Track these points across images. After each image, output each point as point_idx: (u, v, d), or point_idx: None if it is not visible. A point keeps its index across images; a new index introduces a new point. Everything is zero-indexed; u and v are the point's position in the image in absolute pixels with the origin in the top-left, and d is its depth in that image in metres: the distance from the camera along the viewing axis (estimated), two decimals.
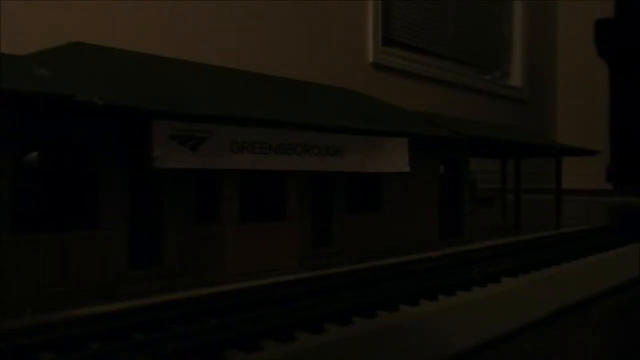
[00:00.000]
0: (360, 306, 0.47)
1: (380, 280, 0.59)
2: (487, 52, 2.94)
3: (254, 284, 0.56)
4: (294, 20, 1.91)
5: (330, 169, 0.76)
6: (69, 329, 0.40)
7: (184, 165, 0.61)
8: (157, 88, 0.68)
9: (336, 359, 0.40)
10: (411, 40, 2.45)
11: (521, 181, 1.36)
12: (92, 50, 0.70)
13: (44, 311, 0.44)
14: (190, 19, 1.60)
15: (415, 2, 2.46)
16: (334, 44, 2.05)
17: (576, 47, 3.39)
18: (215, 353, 0.37)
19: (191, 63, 0.82)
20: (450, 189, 1.06)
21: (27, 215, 0.58)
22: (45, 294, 0.54)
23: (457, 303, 0.51)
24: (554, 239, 0.95)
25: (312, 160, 0.73)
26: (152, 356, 0.35)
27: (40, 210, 0.61)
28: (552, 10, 3.48)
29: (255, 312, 0.45)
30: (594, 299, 0.67)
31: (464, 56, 2.76)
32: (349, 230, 0.85)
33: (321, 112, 0.84)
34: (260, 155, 0.67)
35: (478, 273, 0.61)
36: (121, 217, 0.62)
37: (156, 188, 0.66)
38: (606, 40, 3.24)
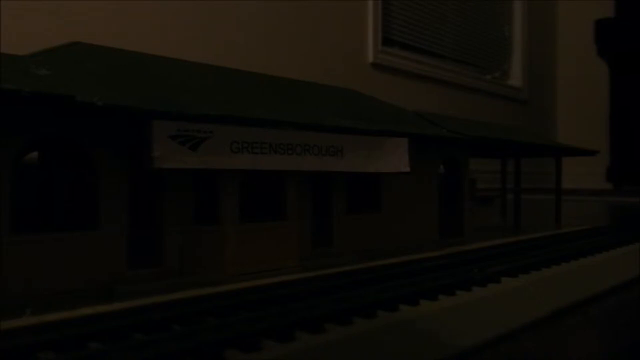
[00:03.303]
0: (360, 306, 0.47)
1: (380, 280, 0.59)
2: (487, 52, 2.94)
3: (254, 284, 0.56)
4: (294, 20, 1.91)
5: (330, 169, 0.76)
6: (69, 329, 0.40)
7: (184, 165, 0.61)
8: (157, 88, 0.68)
9: (336, 359, 0.40)
10: (411, 40, 2.45)
11: (521, 181, 1.36)
12: (92, 50, 0.70)
13: (44, 311, 0.44)
14: (190, 19, 1.60)
15: (416, 2, 2.46)
16: (334, 44, 2.05)
17: (576, 47, 3.39)
18: (215, 353, 0.37)
19: (191, 63, 0.82)
20: (450, 189, 1.06)
21: (27, 215, 0.58)
22: (45, 294, 0.54)
23: (457, 303, 0.51)
24: (554, 239, 0.95)
25: (312, 160, 0.73)
26: (152, 356, 0.35)
27: (40, 210, 0.61)
28: (552, 10, 3.48)
29: (255, 312, 0.45)
30: (594, 299, 0.67)
31: (464, 56, 2.76)
32: (349, 230, 0.85)
33: (321, 112, 0.84)
34: (260, 155, 0.67)
35: (478, 273, 0.61)
36: (121, 217, 0.62)
37: (156, 188, 0.66)
38: (606, 39, 3.24)
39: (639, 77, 3.15)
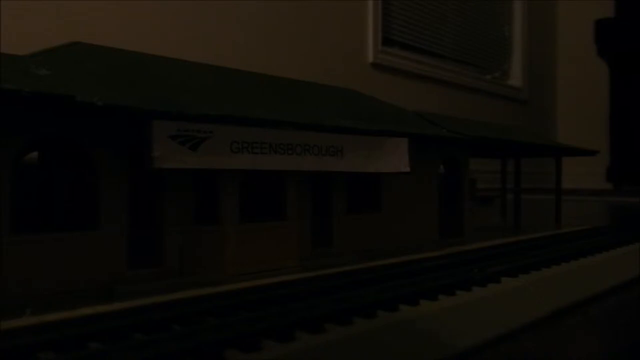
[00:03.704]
0: (360, 306, 0.47)
1: (380, 280, 0.59)
2: (487, 52, 2.94)
3: (254, 284, 0.56)
4: (294, 20, 1.91)
5: (330, 169, 0.76)
6: (69, 329, 0.40)
7: (184, 165, 0.61)
8: (157, 88, 0.68)
9: (336, 359, 0.40)
10: (411, 40, 2.45)
11: (521, 181, 1.36)
12: (92, 50, 0.70)
13: (44, 311, 0.44)
14: (190, 19, 1.60)
15: (416, 2, 2.46)
16: (334, 44, 2.05)
17: (576, 47, 3.39)
18: (215, 353, 0.37)
19: (191, 63, 0.82)
20: (450, 189, 1.05)
21: (27, 215, 0.58)
22: (45, 293, 0.54)
23: (457, 303, 0.51)
24: (554, 239, 0.95)
25: (312, 160, 0.73)
26: (152, 356, 0.35)
27: (40, 210, 0.61)
28: (552, 10, 3.48)
29: (255, 312, 0.45)
30: (594, 299, 0.67)
31: (464, 56, 2.76)
32: (349, 230, 0.84)
33: (321, 112, 0.84)
34: (260, 155, 0.67)
35: (478, 273, 0.61)
36: (121, 217, 0.62)
37: (156, 188, 0.66)
38: (606, 39, 3.24)
39: (639, 77, 3.15)
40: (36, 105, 0.53)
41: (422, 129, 0.97)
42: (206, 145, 0.62)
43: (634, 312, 0.68)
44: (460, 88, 2.64)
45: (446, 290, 0.54)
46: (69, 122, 0.59)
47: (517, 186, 1.35)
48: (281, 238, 0.72)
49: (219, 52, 1.51)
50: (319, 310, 0.45)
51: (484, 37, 2.91)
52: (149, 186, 0.66)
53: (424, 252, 0.78)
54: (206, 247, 0.67)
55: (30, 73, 0.55)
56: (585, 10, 3.32)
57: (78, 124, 0.60)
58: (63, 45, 0.68)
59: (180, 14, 1.57)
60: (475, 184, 1.19)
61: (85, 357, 0.35)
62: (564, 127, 3.43)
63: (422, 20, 2.50)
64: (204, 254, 0.67)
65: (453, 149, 1.04)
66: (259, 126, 0.67)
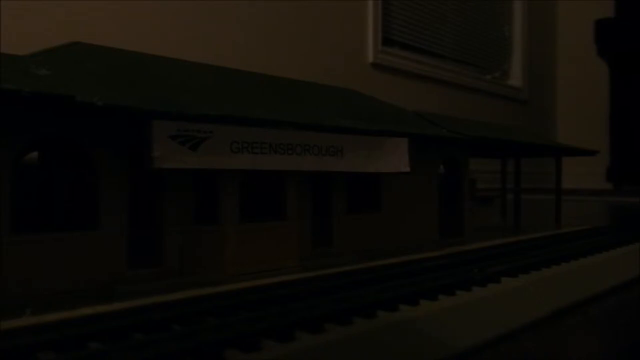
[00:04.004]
0: (360, 306, 0.47)
1: (380, 280, 0.59)
2: (487, 52, 2.94)
3: (254, 284, 0.56)
4: (294, 20, 1.91)
5: (330, 169, 0.76)
6: (69, 329, 0.40)
7: (184, 165, 0.61)
8: (157, 88, 0.68)
9: (336, 359, 0.40)
10: (411, 40, 2.45)
11: (521, 181, 1.36)
12: (92, 50, 0.70)
13: (44, 311, 0.44)
14: (190, 19, 1.60)
15: (416, 2, 2.46)
16: (334, 44, 2.05)
17: (576, 47, 3.39)
18: (215, 353, 0.37)
19: (191, 63, 0.82)
20: (450, 189, 1.05)
21: (27, 215, 0.58)
22: (45, 293, 0.54)
23: (457, 303, 0.51)
24: (554, 239, 0.95)
25: (311, 160, 0.73)
26: (152, 356, 0.35)
27: (40, 210, 0.61)
28: (552, 10, 3.48)
29: (255, 312, 0.45)
30: (594, 299, 0.67)
31: (464, 56, 2.76)
32: (349, 230, 0.84)
33: (321, 112, 0.84)
34: (260, 155, 0.67)
35: (478, 273, 0.61)
36: (121, 217, 0.62)
37: (156, 188, 0.66)
38: (606, 39, 3.24)
39: (639, 77, 3.15)
40: (36, 105, 0.53)
41: (422, 129, 0.97)
42: (206, 145, 0.62)
43: (634, 312, 0.67)
44: (460, 88, 2.64)
45: (446, 290, 0.54)
46: (69, 122, 0.59)
47: (517, 186, 1.35)
48: (281, 238, 0.72)
49: (219, 52, 1.51)
50: (319, 310, 0.45)
51: (484, 37, 2.91)
52: (149, 186, 0.66)
53: (424, 252, 0.77)
54: (206, 247, 0.67)
55: (30, 73, 0.55)
56: (585, 10, 3.32)
57: (78, 124, 0.60)
58: (63, 45, 0.68)
59: (180, 14, 1.57)
60: (475, 184, 1.19)
61: (85, 357, 0.35)
62: (564, 127, 3.43)
63: (422, 20, 2.50)
64: (204, 254, 0.67)
65: (453, 149, 1.04)
66: (259, 126, 0.67)
